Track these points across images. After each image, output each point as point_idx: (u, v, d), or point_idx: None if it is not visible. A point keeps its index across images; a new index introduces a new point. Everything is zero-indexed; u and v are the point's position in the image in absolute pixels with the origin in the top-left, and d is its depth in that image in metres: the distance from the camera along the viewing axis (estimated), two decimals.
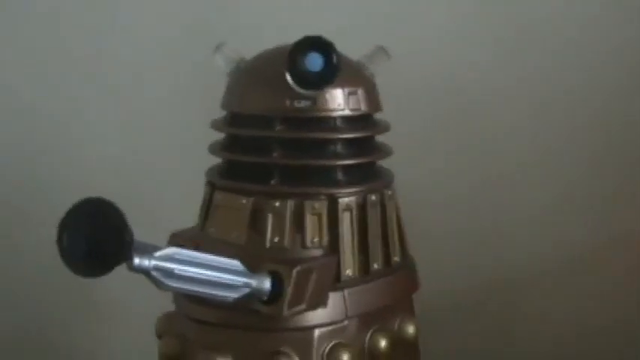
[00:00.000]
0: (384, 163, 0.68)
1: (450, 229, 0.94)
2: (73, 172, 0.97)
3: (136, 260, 0.51)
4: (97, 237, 0.50)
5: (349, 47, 0.63)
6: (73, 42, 0.96)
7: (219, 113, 0.66)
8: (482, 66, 0.94)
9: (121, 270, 0.51)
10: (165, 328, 0.65)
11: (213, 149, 0.65)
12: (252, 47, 0.65)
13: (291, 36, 0.60)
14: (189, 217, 0.66)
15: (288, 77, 0.59)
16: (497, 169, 0.95)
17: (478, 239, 0.95)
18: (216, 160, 0.67)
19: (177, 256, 0.54)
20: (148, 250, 0.52)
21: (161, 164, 0.97)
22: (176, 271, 0.53)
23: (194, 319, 0.62)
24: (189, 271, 0.54)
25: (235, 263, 0.57)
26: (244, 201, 0.62)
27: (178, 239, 0.64)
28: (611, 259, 0.94)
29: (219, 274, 0.56)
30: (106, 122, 0.97)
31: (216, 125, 0.65)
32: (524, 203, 0.95)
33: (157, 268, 0.52)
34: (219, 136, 0.66)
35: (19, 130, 0.97)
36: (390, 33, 0.90)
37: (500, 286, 0.96)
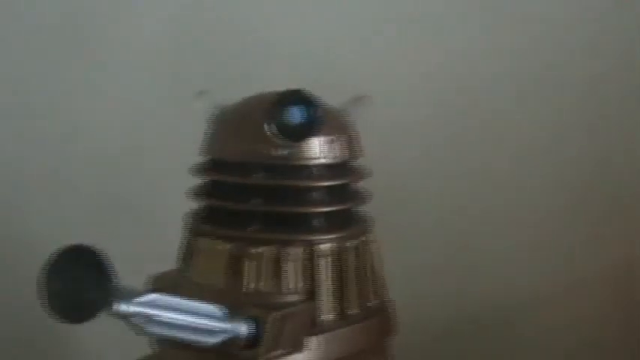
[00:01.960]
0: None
1: (438, 257, 0.95)
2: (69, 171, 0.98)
3: (116, 306, 0.52)
4: (77, 285, 0.51)
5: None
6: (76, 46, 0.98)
7: None
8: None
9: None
10: None
11: (191, 194, 0.66)
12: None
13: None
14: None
15: (268, 129, 0.61)
16: (487, 200, 0.97)
17: (467, 268, 0.97)
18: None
19: (157, 302, 0.54)
20: (128, 296, 0.53)
21: (159, 164, 0.98)
22: (157, 317, 0.54)
23: None
24: (168, 317, 0.55)
25: (214, 308, 0.58)
26: (222, 247, 0.63)
27: (157, 282, 0.65)
28: (600, 286, 0.96)
29: (198, 319, 0.56)
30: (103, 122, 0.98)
31: (195, 171, 0.66)
32: (514, 233, 0.97)
33: (137, 314, 0.53)
34: None
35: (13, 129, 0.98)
36: (383, 39, 0.92)
37: (489, 317, 0.97)
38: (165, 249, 0.65)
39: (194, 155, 0.65)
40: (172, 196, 0.93)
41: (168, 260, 0.66)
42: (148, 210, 0.95)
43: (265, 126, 0.61)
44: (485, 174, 0.97)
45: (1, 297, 0.98)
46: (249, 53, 0.95)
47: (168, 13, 0.97)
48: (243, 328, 0.58)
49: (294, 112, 0.60)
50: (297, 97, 0.60)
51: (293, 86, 0.60)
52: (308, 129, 0.60)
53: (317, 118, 0.60)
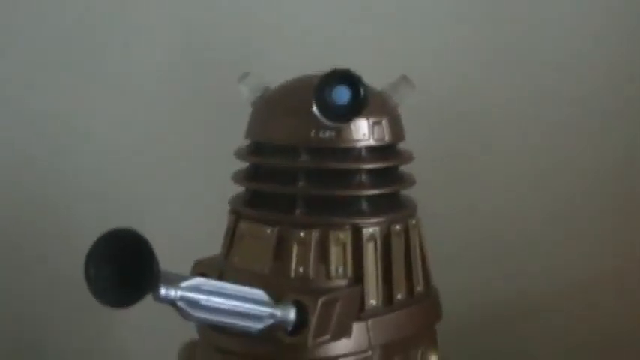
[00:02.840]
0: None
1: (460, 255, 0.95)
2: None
3: (163, 291, 0.51)
4: (123, 268, 0.50)
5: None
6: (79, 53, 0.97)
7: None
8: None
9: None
10: (189, 357, 0.65)
11: (237, 178, 0.66)
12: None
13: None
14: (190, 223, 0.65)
15: (316, 110, 0.60)
16: (506, 202, 0.96)
17: (490, 265, 0.96)
18: (236, 188, 0.67)
19: (203, 287, 0.54)
20: (174, 280, 0.52)
21: (164, 168, 0.98)
22: (202, 302, 0.54)
23: (218, 348, 0.62)
24: (214, 302, 0.54)
25: (260, 293, 0.57)
26: (269, 231, 0.62)
27: (202, 267, 0.64)
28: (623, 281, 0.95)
29: (245, 304, 0.56)
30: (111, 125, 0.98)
31: (240, 155, 0.66)
32: (534, 233, 0.96)
33: (183, 299, 0.53)
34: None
35: (20, 131, 0.98)
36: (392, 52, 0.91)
37: (515, 312, 0.96)
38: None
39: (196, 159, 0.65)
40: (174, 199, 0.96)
41: None
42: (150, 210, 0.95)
43: (313, 106, 0.60)
44: (502, 170, 0.96)
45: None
46: (253, 54, 0.95)
47: (173, 15, 0.97)
48: (291, 313, 0.57)
49: (341, 91, 0.59)
50: (343, 77, 0.59)
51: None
52: (355, 109, 0.59)
53: (363, 97, 0.59)
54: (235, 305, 0.55)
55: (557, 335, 0.96)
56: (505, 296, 0.96)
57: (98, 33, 0.97)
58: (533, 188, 0.96)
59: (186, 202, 0.96)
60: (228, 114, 0.73)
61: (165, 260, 0.51)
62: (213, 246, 0.67)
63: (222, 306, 0.55)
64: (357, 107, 0.59)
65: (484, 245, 0.96)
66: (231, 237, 0.65)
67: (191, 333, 0.66)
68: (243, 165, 0.67)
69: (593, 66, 0.94)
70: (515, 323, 0.96)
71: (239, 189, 0.67)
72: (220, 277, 0.61)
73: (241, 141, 0.67)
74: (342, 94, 0.59)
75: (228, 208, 0.66)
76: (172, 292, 0.52)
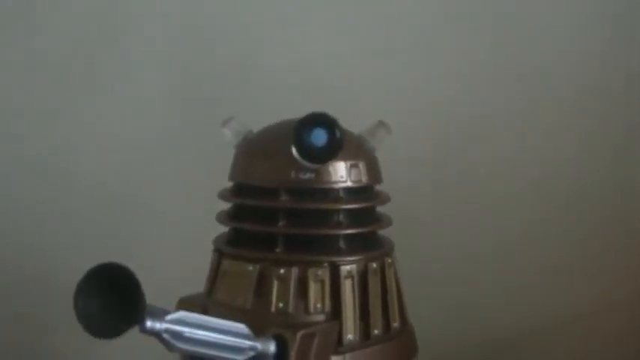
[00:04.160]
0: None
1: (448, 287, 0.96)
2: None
3: (148, 323, 0.54)
4: (110, 301, 0.52)
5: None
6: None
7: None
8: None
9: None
10: None
11: (220, 218, 0.68)
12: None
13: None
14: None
15: (295, 151, 0.63)
16: (501, 233, 0.98)
17: (478, 297, 0.98)
18: (220, 228, 0.69)
19: (187, 320, 0.56)
20: (159, 314, 0.55)
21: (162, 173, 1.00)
22: (186, 334, 0.56)
23: None
24: (198, 334, 0.57)
25: (242, 327, 0.59)
26: (250, 268, 0.64)
27: (186, 304, 0.66)
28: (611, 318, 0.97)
29: (227, 337, 0.58)
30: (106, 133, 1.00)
31: (223, 195, 0.68)
32: (529, 263, 0.98)
33: (167, 331, 0.55)
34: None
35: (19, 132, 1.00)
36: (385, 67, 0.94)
37: (500, 346, 0.98)
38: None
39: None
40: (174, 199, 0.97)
41: None
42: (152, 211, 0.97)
43: (292, 148, 0.62)
44: (500, 192, 0.98)
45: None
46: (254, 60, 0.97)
47: (175, 23, 1.00)
48: (271, 347, 0.59)
49: (318, 134, 0.62)
50: (320, 120, 0.62)
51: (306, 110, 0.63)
52: (331, 150, 0.62)
53: (339, 139, 0.62)
54: (218, 338, 0.58)
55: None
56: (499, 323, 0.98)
57: (98, 37, 0.99)
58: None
59: (171, 242, 0.98)
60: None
61: (150, 297, 0.54)
62: (196, 284, 0.69)
63: (205, 338, 0.57)
64: (334, 148, 0.62)
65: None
66: (215, 274, 0.67)
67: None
68: (226, 206, 0.69)
69: (593, 68, 0.97)
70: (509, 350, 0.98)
71: (223, 229, 0.69)
72: (204, 312, 0.63)
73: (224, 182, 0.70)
74: (319, 137, 0.62)
75: (212, 247, 0.69)
76: (157, 325, 0.54)
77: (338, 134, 0.62)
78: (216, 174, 0.69)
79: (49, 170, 1.00)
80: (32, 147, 0.99)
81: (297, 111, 0.64)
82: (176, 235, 0.98)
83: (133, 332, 0.54)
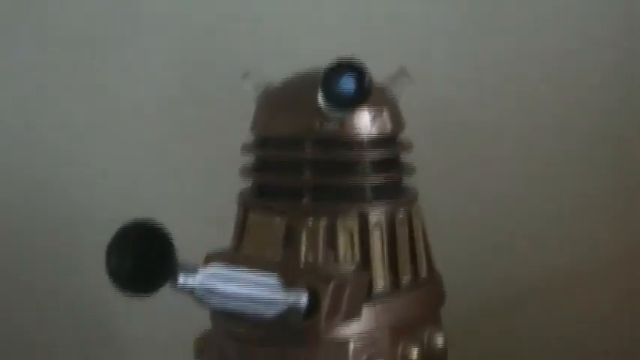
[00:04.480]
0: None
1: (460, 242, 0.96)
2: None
3: (181, 279, 0.53)
4: (144, 257, 0.52)
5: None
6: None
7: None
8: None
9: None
10: (204, 346, 0.67)
11: (244, 172, 0.68)
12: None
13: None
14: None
15: (321, 100, 0.62)
16: (505, 184, 0.97)
17: (490, 250, 0.98)
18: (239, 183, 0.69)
19: (219, 275, 0.56)
20: (192, 270, 0.54)
21: (171, 166, 1.00)
22: (219, 289, 0.56)
23: (233, 336, 0.64)
24: (231, 289, 0.56)
25: (273, 280, 0.59)
26: (278, 219, 0.64)
27: (214, 260, 0.66)
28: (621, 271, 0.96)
29: (259, 291, 0.58)
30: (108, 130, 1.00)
31: (246, 149, 0.68)
32: (535, 216, 0.97)
33: (200, 287, 0.54)
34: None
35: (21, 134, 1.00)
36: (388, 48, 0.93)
37: (512, 295, 0.98)
38: None
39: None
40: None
41: None
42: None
43: (318, 96, 0.62)
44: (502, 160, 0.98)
45: None
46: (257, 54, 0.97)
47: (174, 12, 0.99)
48: (303, 299, 0.59)
49: (347, 80, 0.61)
50: (348, 67, 0.61)
51: None
52: (361, 97, 0.62)
53: (367, 86, 0.61)
54: (250, 292, 0.57)
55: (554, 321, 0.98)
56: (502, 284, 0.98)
57: (100, 30, 0.98)
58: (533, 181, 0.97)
59: (194, 198, 0.98)
60: (232, 111, 0.76)
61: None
62: (221, 241, 0.69)
63: (237, 293, 0.57)
64: (363, 95, 0.61)
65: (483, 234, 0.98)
66: (241, 228, 0.67)
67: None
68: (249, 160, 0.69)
69: (595, 64, 0.95)
70: (514, 308, 0.98)
71: (246, 184, 0.69)
72: (232, 266, 0.63)
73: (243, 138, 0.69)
74: (347, 83, 0.61)
75: (237, 201, 0.68)
76: (190, 281, 0.54)
77: (367, 81, 0.61)
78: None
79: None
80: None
81: None
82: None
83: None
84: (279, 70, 0.68)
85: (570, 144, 0.96)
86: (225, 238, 0.69)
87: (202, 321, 0.67)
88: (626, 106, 0.95)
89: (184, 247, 0.52)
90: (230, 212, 0.69)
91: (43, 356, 1.01)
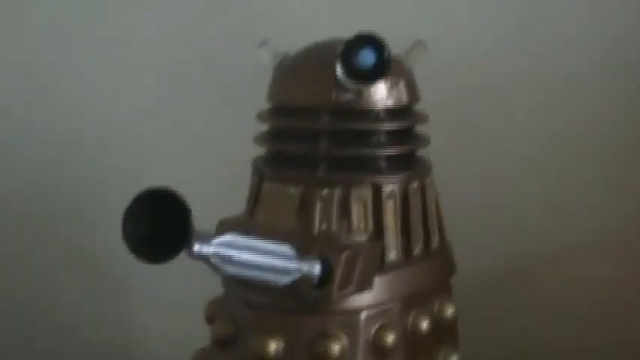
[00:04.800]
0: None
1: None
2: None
3: (196, 247, 0.54)
4: (160, 224, 0.52)
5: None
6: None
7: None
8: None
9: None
10: (216, 312, 0.68)
11: (259, 140, 0.68)
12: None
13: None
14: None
15: (340, 72, 0.62)
16: (510, 159, 0.98)
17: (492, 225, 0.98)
18: (253, 150, 0.69)
19: (234, 243, 0.56)
20: (207, 238, 0.55)
21: (182, 131, 1.01)
22: (234, 258, 0.56)
23: (246, 303, 0.65)
24: (245, 257, 0.57)
25: (287, 249, 0.60)
26: (292, 189, 0.64)
27: (226, 226, 0.66)
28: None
29: (273, 259, 0.58)
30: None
31: (262, 117, 0.68)
32: (535, 190, 0.98)
33: (215, 255, 0.55)
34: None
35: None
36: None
37: (522, 263, 0.98)
38: None
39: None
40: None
41: None
42: None
43: (337, 68, 0.62)
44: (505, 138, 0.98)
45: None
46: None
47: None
48: (316, 268, 0.60)
49: (367, 54, 0.61)
50: (369, 40, 0.61)
51: None
52: (380, 71, 0.62)
53: (387, 60, 0.61)
54: (265, 260, 0.58)
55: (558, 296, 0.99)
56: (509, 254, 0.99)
57: (107, 24, 0.99)
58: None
59: (206, 165, 0.99)
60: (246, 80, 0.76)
61: None
62: (232, 207, 0.69)
63: (252, 261, 0.57)
64: (382, 69, 0.62)
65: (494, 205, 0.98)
66: (255, 196, 0.67)
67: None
68: (263, 128, 0.69)
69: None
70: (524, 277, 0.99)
71: (258, 151, 0.69)
72: (246, 235, 0.63)
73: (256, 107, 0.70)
74: (367, 57, 0.61)
75: (251, 168, 0.69)
76: (205, 249, 0.54)
77: (387, 55, 0.61)
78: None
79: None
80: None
81: None
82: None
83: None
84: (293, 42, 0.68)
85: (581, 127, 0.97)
86: (237, 201, 0.70)
87: (214, 287, 0.68)
88: None
89: (196, 209, 0.53)
90: (244, 177, 0.69)
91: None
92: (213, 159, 0.98)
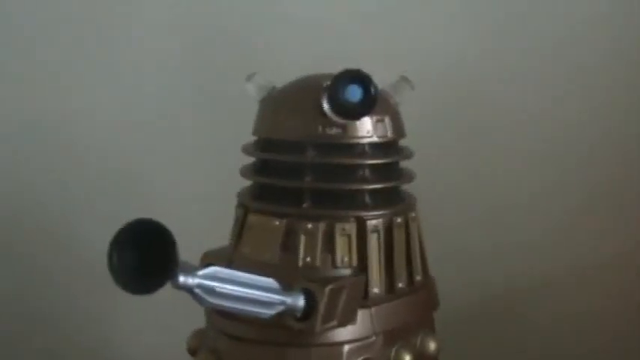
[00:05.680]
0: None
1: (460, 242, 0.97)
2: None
3: (181, 279, 0.54)
4: (145, 255, 0.53)
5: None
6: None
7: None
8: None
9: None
10: (199, 344, 0.68)
11: (245, 173, 0.69)
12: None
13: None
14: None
15: (327, 107, 0.63)
16: (507, 184, 0.99)
17: (489, 251, 0.99)
18: (241, 182, 0.70)
19: (218, 275, 0.57)
20: (192, 269, 0.55)
21: (169, 163, 1.01)
22: (217, 289, 0.56)
23: (228, 334, 0.65)
24: (229, 289, 0.57)
25: (271, 281, 0.60)
26: (277, 222, 0.65)
27: (211, 258, 0.67)
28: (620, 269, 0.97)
29: (257, 292, 0.59)
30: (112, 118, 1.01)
31: (247, 150, 0.69)
32: (535, 215, 0.99)
33: (200, 286, 0.55)
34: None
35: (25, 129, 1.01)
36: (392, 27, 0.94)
37: (510, 298, 0.99)
38: None
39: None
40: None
41: None
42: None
43: (324, 103, 0.63)
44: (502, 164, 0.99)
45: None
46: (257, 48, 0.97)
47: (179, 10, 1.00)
48: (300, 301, 0.60)
49: (353, 89, 0.62)
50: (355, 77, 0.62)
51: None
52: (367, 106, 0.63)
53: (374, 96, 0.62)
54: (248, 293, 0.58)
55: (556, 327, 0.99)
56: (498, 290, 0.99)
57: (105, 28, 0.99)
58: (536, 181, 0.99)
59: (192, 197, 0.99)
60: (233, 110, 0.76)
61: None
62: (215, 239, 0.70)
63: (236, 293, 0.57)
64: (369, 105, 0.63)
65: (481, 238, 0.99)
66: (240, 229, 0.68)
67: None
68: (249, 160, 0.69)
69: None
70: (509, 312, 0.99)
71: (243, 183, 0.70)
72: (230, 267, 0.63)
73: (244, 138, 0.70)
74: (354, 93, 0.62)
75: (237, 201, 0.69)
76: (190, 280, 0.54)
77: (373, 91, 0.62)
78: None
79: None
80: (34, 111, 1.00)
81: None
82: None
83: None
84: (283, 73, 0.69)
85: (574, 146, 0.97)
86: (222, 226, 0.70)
87: (195, 318, 0.68)
88: None
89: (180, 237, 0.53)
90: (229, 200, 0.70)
91: None
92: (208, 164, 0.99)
